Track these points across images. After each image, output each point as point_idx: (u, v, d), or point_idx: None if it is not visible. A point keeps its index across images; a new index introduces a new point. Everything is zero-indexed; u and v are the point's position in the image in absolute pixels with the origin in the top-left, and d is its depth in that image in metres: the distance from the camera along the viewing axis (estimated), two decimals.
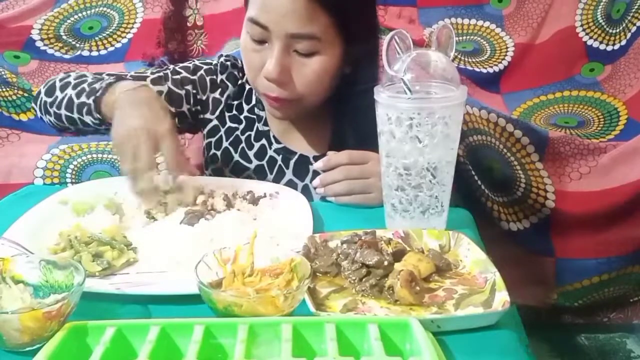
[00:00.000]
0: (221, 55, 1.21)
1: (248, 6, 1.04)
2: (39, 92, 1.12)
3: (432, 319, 0.66)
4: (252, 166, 1.17)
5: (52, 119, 1.10)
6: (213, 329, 0.61)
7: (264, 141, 1.17)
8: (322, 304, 0.71)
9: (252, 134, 1.18)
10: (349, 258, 0.77)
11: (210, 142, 1.20)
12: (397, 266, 0.75)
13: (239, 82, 1.19)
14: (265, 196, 1.01)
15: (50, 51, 1.75)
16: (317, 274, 0.77)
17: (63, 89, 1.07)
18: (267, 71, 1.01)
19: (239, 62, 1.19)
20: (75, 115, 1.05)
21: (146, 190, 0.90)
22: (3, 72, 1.62)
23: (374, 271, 0.75)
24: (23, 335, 0.61)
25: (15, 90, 1.63)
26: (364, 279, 0.75)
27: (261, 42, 1.02)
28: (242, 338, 0.59)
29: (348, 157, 1.01)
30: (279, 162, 1.17)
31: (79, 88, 1.05)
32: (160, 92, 1.12)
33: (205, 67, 1.18)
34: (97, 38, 1.78)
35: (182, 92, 1.14)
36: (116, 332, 0.61)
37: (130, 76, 1.13)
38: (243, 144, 1.18)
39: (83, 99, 1.03)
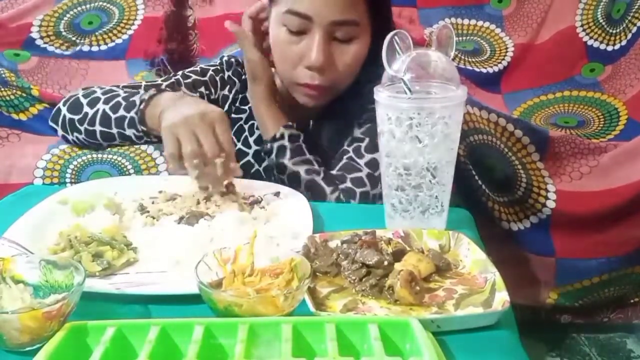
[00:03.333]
0: (223, 56, 1.25)
1: (277, 1, 1.05)
2: (59, 111, 1.13)
3: (432, 319, 0.66)
4: (250, 151, 1.19)
5: (80, 136, 1.11)
6: (213, 329, 0.61)
7: None
8: (322, 304, 0.71)
9: (255, 122, 1.20)
10: (349, 258, 0.77)
11: None
12: (397, 266, 0.75)
13: (243, 77, 1.22)
14: (265, 196, 1.01)
15: (50, 49, 1.75)
16: (317, 274, 0.77)
17: (92, 104, 1.08)
18: (312, 60, 1.03)
19: (240, 60, 1.22)
20: (114, 130, 1.06)
21: (211, 180, 0.91)
22: (2, 72, 1.62)
23: (374, 271, 0.75)
24: (23, 335, 0.61)
25: (14, 90, 1.62)
26: (364, 279, 0.75)
27: (299, 33, 1.03)
28: (242, 338, 0.59)
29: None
30: None
31: (112, 102, 1.06)
32: None
33: (212, 67, 1.22)
34: (97, 33, 1.78)
35: (196, 95, 1.17)
36: (116, 332, 0.60)
37: (145, 86, 1.16)
38: (246, 132, 1.21)
39: (122, 112, 1.04)
